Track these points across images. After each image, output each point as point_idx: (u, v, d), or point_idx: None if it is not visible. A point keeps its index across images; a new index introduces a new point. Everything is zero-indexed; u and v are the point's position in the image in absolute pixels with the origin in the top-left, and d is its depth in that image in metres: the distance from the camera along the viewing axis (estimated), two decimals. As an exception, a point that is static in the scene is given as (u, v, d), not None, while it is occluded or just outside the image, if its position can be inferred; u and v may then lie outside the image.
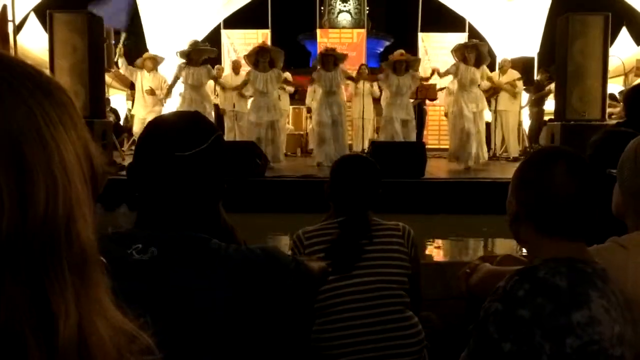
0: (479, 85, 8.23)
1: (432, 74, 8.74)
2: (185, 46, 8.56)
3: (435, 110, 12.16)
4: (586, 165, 1.27)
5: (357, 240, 1.94)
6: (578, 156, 1.28)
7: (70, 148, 0.45)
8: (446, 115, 10.93)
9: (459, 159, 8.18)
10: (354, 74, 9.27)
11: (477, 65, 8.01)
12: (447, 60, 8.57)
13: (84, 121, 0.49)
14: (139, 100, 9.56)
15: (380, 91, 9.87)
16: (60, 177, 0.44)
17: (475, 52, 7.97)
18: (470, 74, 7.91)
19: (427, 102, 10.99)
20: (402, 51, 8.56)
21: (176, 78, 8.40)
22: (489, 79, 8.68)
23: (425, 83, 8.98)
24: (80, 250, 0.45)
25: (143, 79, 9.39)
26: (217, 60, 10.33)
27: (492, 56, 11.19)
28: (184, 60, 8.28)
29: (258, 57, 8.19)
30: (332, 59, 8.32)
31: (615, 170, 1.49)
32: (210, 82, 9.06)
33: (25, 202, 0.42)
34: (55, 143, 0.44)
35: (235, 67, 10.27)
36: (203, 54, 8.31)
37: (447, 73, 8.30)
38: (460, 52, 8.06)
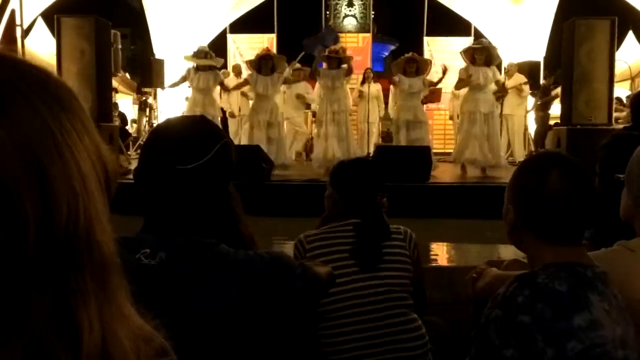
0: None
1: (444, 73, 8.34)
2: (191, 51, 8.58)
3: (441, 115, 12.14)
4: (580, 170, 1.26)
5: (377, 242, 1.94)
6: (571, 161, 1.28)
7: (85, 156, 0.45)
8: (451, 118, 10.89)
9: (474, 164, 7.81)
10: (359, 78, 9.19)
11: (487, 66, 7.80)
12: (453, 65, 8.48)
13: (93, 123, 0.49)
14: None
15: (386, 97, 9.78)
16: (79, 188, 0.43)
17: (484, 54, 7.80)
18: (482, 73, 7.68)
19: (433, 105, 10.97)
20: (413, 53, 8.42)
21: (183, 79, 8.45)
22: (497, 82, 8.40)
23: (431, 88, 8.83)
24: (101, 258, 0.45)
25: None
26: (223, 64, 10.38)
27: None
28: (193, 64, 8.32)
29: (261, 63, 8.22)
30: (336, 61, 8.28)
31: (623, 175, 1.48)
32: (218, 87, 9.09)
33: (49, 216, 0.41)
34: (72, 153, 0.44)
35: (237, 72, 10.31)
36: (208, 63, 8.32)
37: (459, 83, 8.01)
38: (470, 53, 7.92)
